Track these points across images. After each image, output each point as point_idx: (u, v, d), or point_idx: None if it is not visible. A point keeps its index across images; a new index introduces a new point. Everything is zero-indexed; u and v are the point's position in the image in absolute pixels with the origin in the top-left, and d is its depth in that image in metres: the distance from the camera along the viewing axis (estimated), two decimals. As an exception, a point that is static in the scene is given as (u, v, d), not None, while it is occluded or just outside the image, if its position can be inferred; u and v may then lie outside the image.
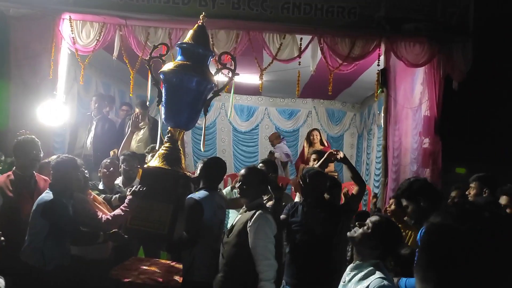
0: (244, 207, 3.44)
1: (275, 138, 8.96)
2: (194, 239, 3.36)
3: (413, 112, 5.79)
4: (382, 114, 6.04)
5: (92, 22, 5.58)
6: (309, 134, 7.73)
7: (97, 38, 5.54)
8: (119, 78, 8.95)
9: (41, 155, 4.01)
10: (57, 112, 5.53)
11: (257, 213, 3.24)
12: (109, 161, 4.55)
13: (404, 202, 3.10)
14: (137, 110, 6.55)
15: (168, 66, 3.74)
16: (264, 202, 3.74)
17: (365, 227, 2.40)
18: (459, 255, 0.95)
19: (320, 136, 7.66)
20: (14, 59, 5.42)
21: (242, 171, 3.51)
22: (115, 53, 5.66)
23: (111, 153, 5.45)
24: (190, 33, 3.86)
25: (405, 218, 4.28)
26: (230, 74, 3.95)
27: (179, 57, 3.80)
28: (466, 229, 0.96)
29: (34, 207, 3.48)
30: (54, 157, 4.62)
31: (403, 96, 5.91)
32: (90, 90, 8.19)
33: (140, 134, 6.43)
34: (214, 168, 3.75)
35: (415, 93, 5.83)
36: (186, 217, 3.41)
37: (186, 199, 3.47)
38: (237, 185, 3.45)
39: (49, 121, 5.39)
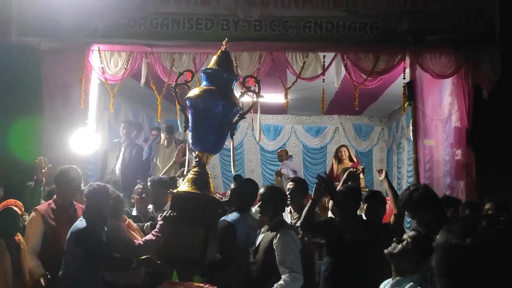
0: (266, 226, 3.49)
1: (285, 154, 8.96)
2: (227, 262, 3.37)
3: (443, 124, 5.67)
4: (411, 127, 5.94)
5: (120, 51, 5.75)
6: (337, 151, 7.64)
7: (125, 66, 5.70)
8: (147, 104, 9.15)
9: (82, 185, 4.10)
10: (89, 140, 5.68)
11: (281, 230, 3.29)
12: (141, 187, 4.59)
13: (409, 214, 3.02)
14: (162, 135, 6.68)
15: (193, 92, 3.79)
16: None
17: (405, 243, 2.38)
18: (466, 272, 0.97)
19: (349, 152, 7.56)
20: (46, 91, 5.63)
21: (261, 190, 3.59)
22: (143, 80, 5.81)
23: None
24: (214, 58, 3.92)
25: None
26: (254, 97, 3.98)
27: (204, 83, 3.85)
28: (468, 245, 0.97)
29: (68, 235, 3.54)
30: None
31: (431, 108, 5.81)
32: (120, 117, 8.38)
33: (170, 159, 6.50)
34: (247, 190, 3.78)
35: (444, 105, 5.72)
36: (219, 240, 3.43)
37: (219, 221, 3.49)
38: (258, 204, 3.53)
39: (81, 149, 5.54)
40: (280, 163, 8.90)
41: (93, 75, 5.81)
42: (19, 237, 3.63)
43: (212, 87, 3.75)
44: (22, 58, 5.52)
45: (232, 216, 3.51)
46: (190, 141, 3.90)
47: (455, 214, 4.22)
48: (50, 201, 4.05)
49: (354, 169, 4.21)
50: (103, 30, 5.54)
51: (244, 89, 3.95)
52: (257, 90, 3.91)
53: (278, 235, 3.25)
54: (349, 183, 4.90)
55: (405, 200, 2.96)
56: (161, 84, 5.77)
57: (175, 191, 3.86)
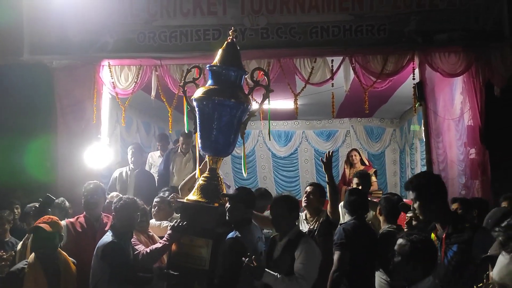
0: (282, 236, 3.34)
1: None
2: (235, 277, 3.26)
3: (456, 123, 5.62)
4: (423, 128, 5.90)
5: (130, 65, 5.82)
6: (348, 155, 7.59)
7: (135, 80, 5.76)
8: (158, 117, 9.24)
9: (98, 198, 4.21)
10: (103, 155, 5.74)
11: (302, 241, 3.20)
12: (158, 199, 4.58)
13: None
14: (181, 139, 6.58)
15: (198, 92, 3.63)
16: None
17: (396, 255, 2.40)
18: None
19: (360, 155, 7.50)
20: (59, 108, 5.70)
21: (272, 204, 3.43)
22: (153, 93, 5.86)
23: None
24: (219, 52, 3.74)
25: None
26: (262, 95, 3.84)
27: (209, 81, 3.72)
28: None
29: (95, 249, 3.51)
30: (114, 194, 4.82)
31: (443, 108, 5.77)
32: (132, 130, 8.48)
33: (186, 168, 6.48)
34: (238, 208, 3.48)
35: (456, 103, 5.67)
36: (226, 257, 3.29)
37: (225, 239, 3.34)
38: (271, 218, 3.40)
39: (95, 164, 5.60)
40: None
41: (104, 90, 5.87)
42: (61, 258, 3.42)
43: (217, 87, 3.58)
44: (34, 76, 5.63)
45: (235, 233, 3.35)
46: (199, 145, 3.79)
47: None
48: (81, 215, 4.16)
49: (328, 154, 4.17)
50: (112, 45, 5.61)
51: (253, 83, 3.80)
52: (266, 83, 3.79)
53: (300, 246, 3.16)
54: (360, 187, 4.93)
55: (407, 184, 2.92)
56: (171, 96, 5.81)
57: (184, 200, 3.80)
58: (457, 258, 2.57)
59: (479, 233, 2.60)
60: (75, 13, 5.64)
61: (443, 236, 2.67)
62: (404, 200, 4.33)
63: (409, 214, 4.17)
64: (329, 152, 4.22)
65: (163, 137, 7.36)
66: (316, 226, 4.10)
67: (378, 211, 4.22)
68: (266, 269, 3.11)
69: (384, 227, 4.08)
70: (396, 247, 2.43)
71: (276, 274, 3.09)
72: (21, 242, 3.95)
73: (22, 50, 5.65)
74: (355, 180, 5.25)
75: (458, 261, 2.56)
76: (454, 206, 4.26)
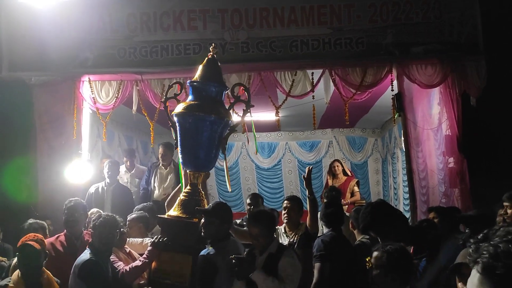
0: (261, 252, 3.31)
1: None
2: None
3: (434, 133, 5.73)
4: (403, 138, 6.00)
5: (110, 81, 5.79)
6: (331, 166, 7.68)
7: (116, 95, 5.74)
8: (140, 130, 9.19)
9: (79, 216, 4.14)
10: (83, 170, 5.68)
11: (284, 253, 3.21)
12: (134, 215, 4.57)
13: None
14: (160, 149, 6.55)
15: (179, 108, 3.63)
16: None
17: (374, 268, 2.44)
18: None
19: (342, 166, 7.58)
20: (39, 124, 5.64)
21: (248, 220, 3.42)
22: (134, 108, 5.83)
23: None
24: (200, 68, 3.76)
25: None
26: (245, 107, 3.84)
27: (190, 97, 3.73)
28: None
29: (72, 269, 3.46)
30: (94, 210, 4.73)
31: (421, 118, 5.87)
32: (113, 144, 8.41)
33: (167, 181, 6.46)
34: (213, 223, 3.41)
35: (433, 114, 5.79)
36: (198, 273, 3.26)
37: (198, 256, 3.32)
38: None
39: (76, 179, 5.54)
40: None
41: (85, 105, 5.84)
42: (44, 276, 3.36)
43: (197, 102, 3.59)
44: (13, 93, 5.56)
45: (208, 250, 3.32)
46: (181, 160, 3.78)
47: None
48: (61, 234, 4.10)
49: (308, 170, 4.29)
50: (92, 60, 5.58)
51: (233, 99, 3.80)
52: (246, 100, 3.79)
53: (283, 258, 3.15)
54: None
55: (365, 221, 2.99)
56: (153, 110, 5.80)
57: (164, 216, 3.77)
58: (428, 269, 2.62)
59: (445, 242, 2.66)
60: (54, 29, 5.61)
61: (411, 251, 2.74)
62: None
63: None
64: (309, 167, 4.32)
65: (131, 153, 7.30)
66: (295, 239, 4.14)
67: (350, 224, 4.28)
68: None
69: (359, 238, 4.14)
70: (373, 261, 2.45)
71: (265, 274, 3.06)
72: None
73: (0, 67, 5.59)
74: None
75: (430, 272, 2.61)
76: (430, 216, 4.32)
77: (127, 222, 4.42)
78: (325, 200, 5.44)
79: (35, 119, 5.60)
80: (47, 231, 4.33)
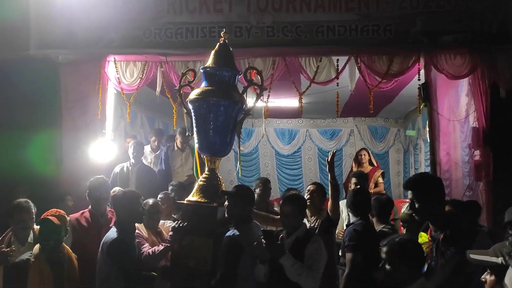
0: (289, 233, 3.30)
1: None
2: (234, 276, 3.24)
3: (461, 125, 5.61)
4: (427, 129, 5.89)
5: (135, 61, 5.83)
6: (357, 154, 7.50)
7: (140, 76, 5.78)
8: (163, 112, 9.27)
9: (104, 193, 4.19)
10: (107, 149, 5.77)
11: (312, 239, 3.19)
12: (162, 195, 4.60)
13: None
14: (178, 137, 6.67)
15: (193, 94, 3.66)
16: None
17: (386, 262, 2.40)
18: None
19: (369, 155, 7.43)
20: (65, 102, 5.72)
21: (281, 202, 3.41)
22: (158, 89, 5.87)
23: None
24: (212, 54, 3.78)
25: None
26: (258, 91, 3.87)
27: (203, 83, 3.75)
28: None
29: (100, 245, 3.48)
30: (116, 189, 4.73)
31: (448, 109, 5.76)
32: (136, 125, 8.51)
33: (188, 163, 6.54)
34: (236, 205, 3.45)
35: (461, 105, 5.66)
36: (224, 255, 3.27)
37: (224, 238, 3.34)
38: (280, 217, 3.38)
39: (100, 158, 5.62)
40: None
41: (110, 85, 5.89)
42: (64, 251, 3.40)
43: (211, 87, 3.62)
44: (40, 71, 5.63)
45: (233, 231, 3.35)
46: (197, 145, 3.82)
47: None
48: (86, 210, 4.14)
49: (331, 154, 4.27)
50: (118, 41, 5.63)
51: (247, 83, 3.82)
52: (259, 83, 3.81)
53: (311, 244, 3.14)
54: (358, 186, 4.98)
55: (404, 184, 2.92)
56: (176, 92, 5.80)
57: (184, 201, 3.82)
58: (454, 260, 2.56)
59: (480, 237, 2.60)
60: (82, 9, 5.66)
61: (441, 238, 2.67)
62: (403, 199, 4.36)
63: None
64: (333, 151, 4.30)
65: (160, 133, 7.39)
66: (316, 224, 4.13)
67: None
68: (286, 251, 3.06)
69: (378, 227, 4.10)
70: (384, 255, 2.41)
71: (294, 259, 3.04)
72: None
73: (28, 45, 5.67)
74: (353, 180, 5.34)
75: (457, 263, 2.56)
76: (446, 209, 4.24)
77: (158, 199, 4.39)
78: (352, 183, 5.35)
79: (61, 97, 5.68)
80: (33, 210, 3.76)
